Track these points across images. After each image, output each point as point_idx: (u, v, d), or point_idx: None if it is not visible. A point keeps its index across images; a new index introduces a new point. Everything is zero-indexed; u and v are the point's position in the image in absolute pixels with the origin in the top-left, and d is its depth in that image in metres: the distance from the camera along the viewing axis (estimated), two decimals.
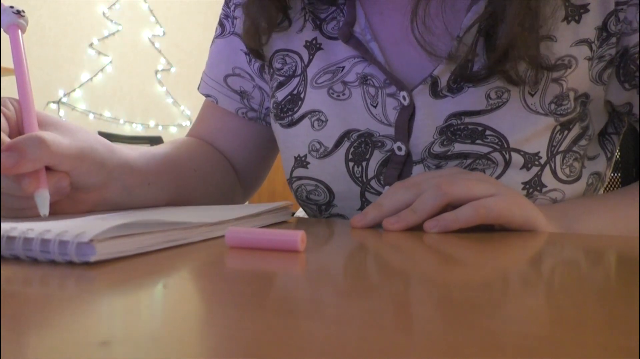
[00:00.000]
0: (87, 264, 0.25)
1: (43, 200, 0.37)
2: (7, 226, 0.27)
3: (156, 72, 3.88)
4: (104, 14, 3.58)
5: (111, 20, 3.63)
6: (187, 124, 4.07)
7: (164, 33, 3.91)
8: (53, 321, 0.16)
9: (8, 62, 3.12)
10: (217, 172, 0.64)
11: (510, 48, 0.47)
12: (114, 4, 3.64)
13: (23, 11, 0.42)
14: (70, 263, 0.25)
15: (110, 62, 3.61)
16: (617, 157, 0.76)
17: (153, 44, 3.86)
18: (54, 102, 3.37)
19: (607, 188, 0.94)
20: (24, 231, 0.26)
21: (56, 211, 0.42)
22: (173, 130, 3.99)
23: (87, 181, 0.42)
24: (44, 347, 0.14)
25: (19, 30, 0.42)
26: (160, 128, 3.87)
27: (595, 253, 0.33)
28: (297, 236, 0.30)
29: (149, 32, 3.85)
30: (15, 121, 0.40)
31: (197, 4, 4.07)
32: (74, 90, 3.44)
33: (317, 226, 0.46)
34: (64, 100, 3.40)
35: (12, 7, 0.42)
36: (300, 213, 0.78)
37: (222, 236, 0.35)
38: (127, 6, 3.72)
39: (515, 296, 0.20)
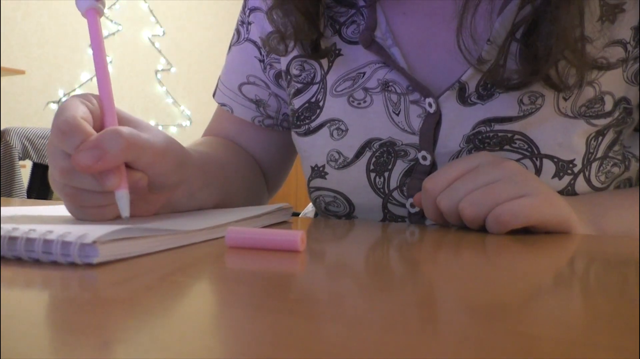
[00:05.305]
0: (90, 265, 0.25)
1: (124, 200, 0.35)
2: (9, 226, 0.27)
3: (156, 72, 3.89)
4: (104, 14, 3.58)
5: (111, 20, 3.63)
6: (187, 124, 4.07)
7: (164, 33, 3.91)
8: (55, 321, 0.16)
9: (7, 62, 3.12)
10: (252, 173, 0.63)
11: (559, 51, 0.45)
12: (114, 4, 3.64)
13: None
14: (73, 264, 0.25)
15: (111, 62, 3.61)
16: None
17: (153, 44, 3.86)
18: (54, 102, 3.37)
19: None
20: (26, 231, 0.26)
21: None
22: (173, 130, 3.99)
23: (165, 181, 0.40)
24: (46, 347, 0.14)
25: (97, 15, 0.40)
26: (160, 128, 3.86)
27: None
28: (297, 236, 0.30)
29: (149, 32, 3.85)
30: (98, 116, 0.39)
31: (197, 4, 4.07)
32: (74, 90, 3.44)
33: (317, 226, 0.46)
34: (64, 100, 3.40)
35: None
36: (308, 213, 0.78)
37: (223, 237, 0.35)
38: (127, 6, 3.72)
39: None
